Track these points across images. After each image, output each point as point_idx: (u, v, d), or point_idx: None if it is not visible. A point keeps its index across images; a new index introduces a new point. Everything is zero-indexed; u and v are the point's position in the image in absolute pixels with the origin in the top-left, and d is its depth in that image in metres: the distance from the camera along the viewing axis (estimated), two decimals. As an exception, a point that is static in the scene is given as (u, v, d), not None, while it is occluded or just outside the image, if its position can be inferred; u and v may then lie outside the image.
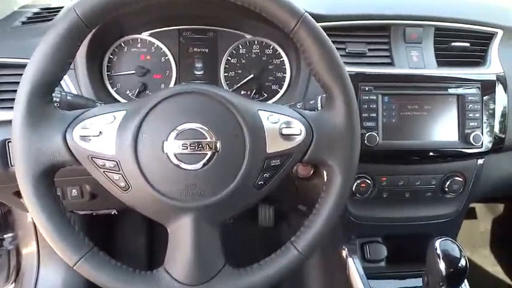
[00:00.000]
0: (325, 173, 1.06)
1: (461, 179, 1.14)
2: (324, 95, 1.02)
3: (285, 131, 0.75)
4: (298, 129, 0.77)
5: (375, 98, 1.06)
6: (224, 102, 0.76)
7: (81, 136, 0.70)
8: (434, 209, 1.21)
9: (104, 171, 0.71)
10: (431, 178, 1.14)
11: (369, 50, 1.16)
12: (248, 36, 1.29)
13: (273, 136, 0.74)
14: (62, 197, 1.19)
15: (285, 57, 1.29)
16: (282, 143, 0.75)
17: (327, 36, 0.83)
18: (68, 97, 0.88)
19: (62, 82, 1.13)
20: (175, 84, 1.29)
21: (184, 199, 0.70)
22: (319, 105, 1.03)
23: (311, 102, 1.05)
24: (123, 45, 1.26)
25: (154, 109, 0.74)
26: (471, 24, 1.17)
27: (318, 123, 0.77)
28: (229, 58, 1.19)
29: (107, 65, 1.26)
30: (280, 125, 0.76)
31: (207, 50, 1.29)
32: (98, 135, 0.71)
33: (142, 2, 0.78)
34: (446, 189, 1.13)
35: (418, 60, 1.21)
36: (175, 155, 0.70)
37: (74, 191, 1.15)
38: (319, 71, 0.76)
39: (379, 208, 1.18)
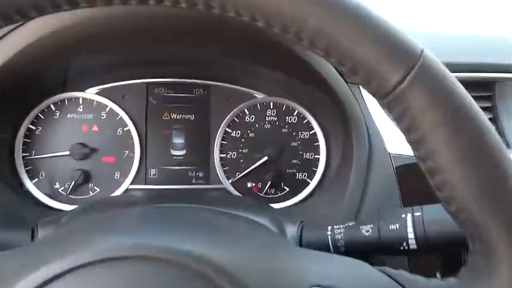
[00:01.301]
0: None
1: None
2: (415, 214, 0.52)
3: None
4: None
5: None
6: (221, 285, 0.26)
7: None
8: None
9: None
10: None
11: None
12: (260, 96, 0.81)
13: None
14: None
15: (317, 128, 0.81)
16: None
17: (475, 104, 0.34)
18: None
19: None
20: (138, 173, 0.78)
21: None
22: (411, 236, 0.51)
23: (393, 227, 0.53)
24: (53, 108, 0.76)
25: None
26: None
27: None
28: (228, 130, 0.72)
29: (24, 141, 0.75)
30: None
31: (192, 117, 0.80)
32: None
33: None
34: None
35: (546, 138, 0.73)
36: None
37: None
38: (454, 183, 0.32)
39: None
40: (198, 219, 0.44)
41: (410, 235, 0.52)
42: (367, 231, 0.55)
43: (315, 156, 0.83)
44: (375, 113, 0.73)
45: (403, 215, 0.54)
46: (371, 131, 0.70)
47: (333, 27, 0.31)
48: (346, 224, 0.58)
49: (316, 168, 0.82)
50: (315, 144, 0.83)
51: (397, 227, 0.54)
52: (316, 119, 0.82)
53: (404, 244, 0.53)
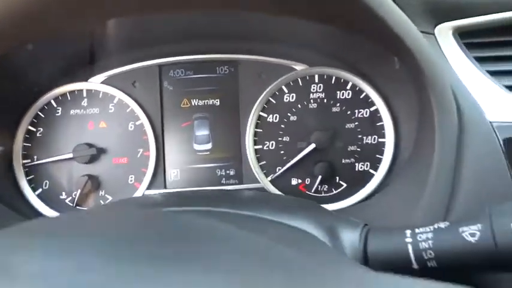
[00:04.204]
0: None
1: None
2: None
3: None
4: None
5: None
6: None
7: None
8: None
9: None
10: None
11: None
12: (300, 67, 0.63)
13: None
14: None
15: (380, 103, 0.61)
16: None
17: None
18: None
19: None
20: (155, 175, 0.64)
21: None
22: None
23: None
24: (54, 104, 0.64)
25: None
26: None
27: None
28: (263, 114, 0.55)
29: (24, 146, 0.63)
30: None
31: (217, 102, 0.64)
32: None
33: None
34: None
35: None
36: None
37: None
38: None
39: None
40: (215, 231, 0.27)
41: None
42: (472, 235, 0.35)
43: (379, 139, 0.63)
44: (462, 72, 0.52)
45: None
46: (459, 94, 0.49)
47: None
48: (436, 226, 0.37)
49: (382, 155, 0.62)
50: (378, 124, 0.63)
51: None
52: (378, 91, 0.62)
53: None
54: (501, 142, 0.47)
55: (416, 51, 0.48)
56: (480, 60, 0.53)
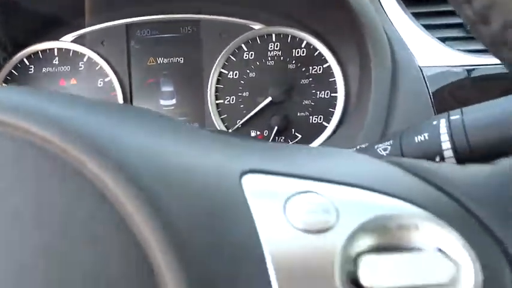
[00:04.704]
0: None
1: None
2: (451, 118, 0.36)
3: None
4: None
5: None
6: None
7: None
8: None
9: None
10: None
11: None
12: (258, 27, 0.67)
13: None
14: None
15: (332, 61, 0.66)
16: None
17: None
18: None
19: None
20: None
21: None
22: (446, 145, 0.35)
23: (420, 138, 0.38)
24: (26, 62, 0.68)
25: None
26: None
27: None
28: (224, 71, 0.62)
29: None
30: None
31: (181, 60, 0.68)
32: None
33: None
34: None
35: None
36: None
37: None
38: None
39: None
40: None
41: (446, 145, 0.36)
42: (385, 149, 0.40)
43: (332, 94, 0.68)
44: (398, 23, 0.57)
45: (435, 122, 0.38)
46: (394, 42, 0.54)
47: None
48: (358, 147, 0.43)
49: (334, 108, 0.67)
50: (331, 80, 0.67)
51: (426, 137, 0.38)
52: (330, 49, 0.67)
53: (437, 159, 0.37)
54: (428, 85, 0.53)
55: (355, 4, 0.53)
56: (416, 15, 0.59)
